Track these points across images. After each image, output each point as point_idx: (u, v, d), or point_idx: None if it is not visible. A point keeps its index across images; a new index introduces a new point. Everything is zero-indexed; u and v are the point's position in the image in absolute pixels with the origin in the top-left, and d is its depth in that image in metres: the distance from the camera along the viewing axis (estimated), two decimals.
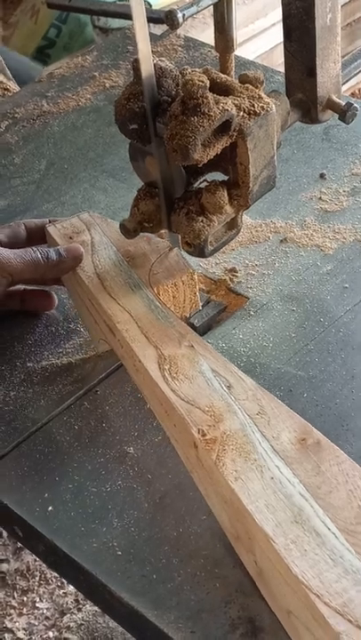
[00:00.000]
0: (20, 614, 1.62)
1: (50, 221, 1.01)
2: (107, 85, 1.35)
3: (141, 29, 0.79)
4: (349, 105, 0.92)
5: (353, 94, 2.62)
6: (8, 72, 1.60)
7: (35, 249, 0.94)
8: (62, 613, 1.62)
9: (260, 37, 2.33)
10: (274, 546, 0.67)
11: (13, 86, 1.53)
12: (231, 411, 0.78)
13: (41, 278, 0.96)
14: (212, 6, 0.86)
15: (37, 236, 1.00)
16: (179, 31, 1.30)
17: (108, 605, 0.76)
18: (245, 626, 0.71)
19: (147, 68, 0.81)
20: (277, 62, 2.20)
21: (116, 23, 2.23)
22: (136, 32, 0.79)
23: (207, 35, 1.81)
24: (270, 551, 0.68)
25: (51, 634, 1.59)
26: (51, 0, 1.15)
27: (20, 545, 1.67)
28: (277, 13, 0.91)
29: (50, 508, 0.81)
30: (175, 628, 0.71)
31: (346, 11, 2.52)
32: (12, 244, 0.97)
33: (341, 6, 0.90)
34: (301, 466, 0.73)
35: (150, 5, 2.17)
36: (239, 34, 0.89)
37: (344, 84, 0.94)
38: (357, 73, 0.98)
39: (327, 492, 0.71)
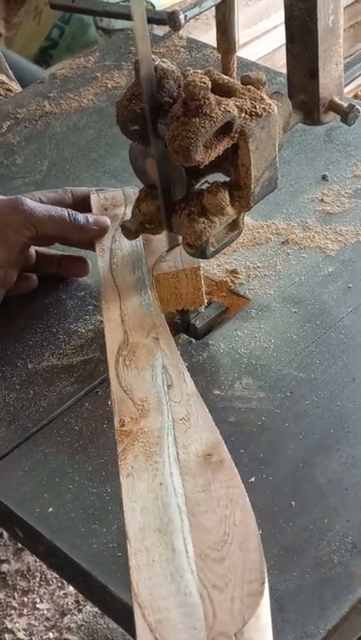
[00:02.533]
0: (21, 615, 1.62)
1: (96, 190, 1.02)
2: (109, 86, 1.35)
3: (141, 29, 0.79)
4: (352, 107, 0.92)
5: (356, 96, 2.62)
6: (10, 72, 1.60)
7: (63, 208, 0.96)
8: (63, 614, 1.62)
9: (262, 39, 2.33)
10: (128, 548, 0.68)
11: (15, 87, 1.53)
12: (159, 410, 0.78)
13: (65, 238, 0.98)
14: (214, 7, 0.86)
15: (82, 204, 1.01)
16: (181, 32, 1.30)
17: (107, 606, 0.76)
18: None
19: (146, 68, 0.81)
20: (280, 64, 2.20)
21: (118, 24, 2.23)
22: (136, 32, 0.79)
23: (209, 36, 1.81)
24: (128, 552, 0.69)
25: (51, 634, 1.59)
26: (54, 1, 1.14)
27: (20, 545, 1.67)
28: (281, 15, 0.90)
29: (50, 508, 0.81)
30: None
31: (349, 13, 2.52)
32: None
33: (344, 8, 0.90)
34: (193, 479, 0.72)
35: (153, 7, 2.17)
36: (242, 35, 0.89)
37: (347, 85, 0.94)
38: (360, 75, 0.98)
39: (203, 512, 0.70)
